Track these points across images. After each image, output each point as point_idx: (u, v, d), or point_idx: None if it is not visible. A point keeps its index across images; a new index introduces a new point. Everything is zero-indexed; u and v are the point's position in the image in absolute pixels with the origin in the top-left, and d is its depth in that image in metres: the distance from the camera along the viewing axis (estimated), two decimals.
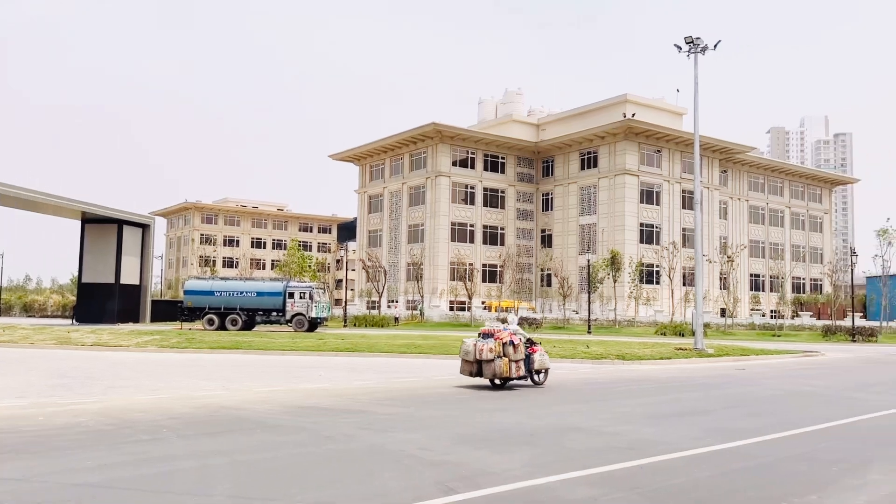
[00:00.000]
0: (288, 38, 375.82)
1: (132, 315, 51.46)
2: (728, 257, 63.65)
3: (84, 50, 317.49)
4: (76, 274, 56.82)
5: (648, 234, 69.39)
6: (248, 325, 42.61)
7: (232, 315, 42.20)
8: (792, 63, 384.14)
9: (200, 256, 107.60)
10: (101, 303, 49.47)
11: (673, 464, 8.01)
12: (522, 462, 7.92)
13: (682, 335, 44.10)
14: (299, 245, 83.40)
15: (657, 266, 65.73)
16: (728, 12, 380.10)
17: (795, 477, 7.49)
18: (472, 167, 73.36)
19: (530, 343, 15.39)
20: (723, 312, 63.92)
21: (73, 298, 70.12)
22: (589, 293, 53.75)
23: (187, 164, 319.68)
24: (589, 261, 54.94)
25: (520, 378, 14.89)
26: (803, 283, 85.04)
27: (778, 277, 74.59)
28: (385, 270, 68.54)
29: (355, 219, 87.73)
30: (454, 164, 72.02)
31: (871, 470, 7.82)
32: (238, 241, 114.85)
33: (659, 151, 70.37)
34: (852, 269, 58.27)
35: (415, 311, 65.00)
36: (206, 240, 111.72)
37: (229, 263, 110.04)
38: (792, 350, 31.81)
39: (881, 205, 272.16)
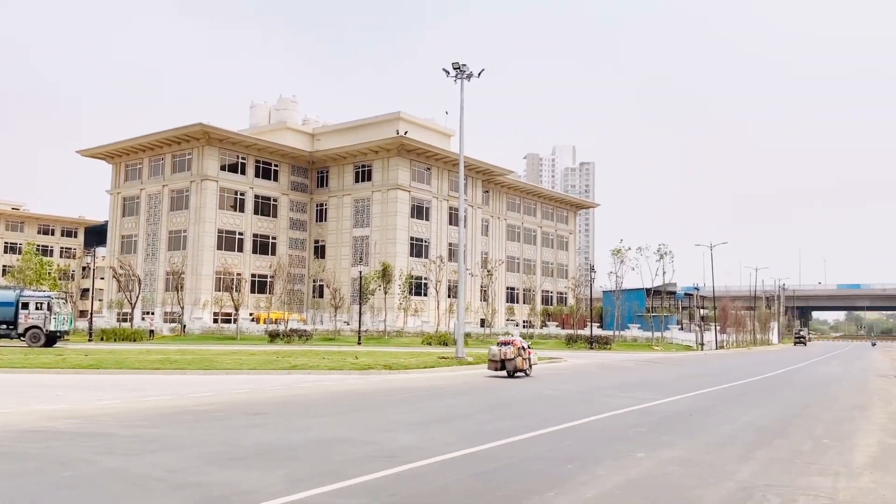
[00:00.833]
0: (42, 18, 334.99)
1: None
2: (488, 271, 67.94)
3: None
4: None
5: (418, 248, 71.80)
6: None
7: None
8: (547, 95, 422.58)
9: None
10: None
11: (428, 469, 8.27)
12: (280, 478, 7.69)
13: (446, 344, 46.14)
14: (37, 249, 74.23)
15: (425, 278, 68.20)
16: (494, 43, 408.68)
17: (536, 475, 8.10)
18: (243, 173, 70.69)
19: (528, 347, 23.65)
20: (483, 322, 67.98)
21: None
22: (360, 304, 54.23)
23: None
24: (361, 272, 55.50)
25: (525, 371, 22.90)
26: (551, 296, 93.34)
27: (530, 290, 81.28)
28: (140, 279, 63.31)
29: (106, 222, 79.92)
30: (223, 168, 68.83)
31: (600, 466, 8.69)
32: None
33: (429, 169, 73.27)
34: (591, 284, 65.12)
35: (175, 325, 60.82)
36: None
37: None
38: (542, 357, 34.69)
39: (617, 227, 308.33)
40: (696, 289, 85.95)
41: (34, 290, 43.07)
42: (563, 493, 7.27)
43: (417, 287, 69.54)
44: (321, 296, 72.24)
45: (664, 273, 69.70)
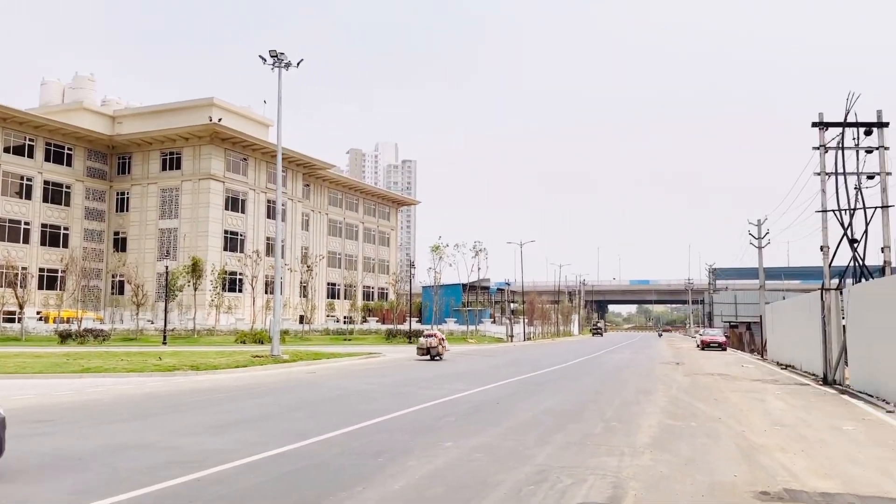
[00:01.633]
0: None
1: None
2: (308, 267, 66.76)
3: None
4: None
5: (233, 242, 68.89)
6: None
7: None
8: (370, 92, 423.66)
9: None
10: None
11: (233, 472, 7.94)
12: (65, 491, 7.02)
13: (262, 342, 44.71)
14: None
15: (240, 274, 65.61)
16: (318, 37, 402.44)
17: (346, 471, 8.06)
18: (31, 156, 63.73)
19: (444, 338, 33.05)
20: (302, 319, 66.75)
21: None
22: (166, 302, 51.00)
23: None
24: (168, 267, 52.19)
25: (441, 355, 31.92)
26: (372, 292, 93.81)
27: (351, 286, 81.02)
28: None
29: None
30: (6, 150, 61.63)
31: (410, 457, 8.82)
32: None
33: (245, 159, 70.54)
34: (411, 280, 66.32)
35: None
36: None
37: None
38: (359, 352, 34.70)
39: (436, 224, 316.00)
40: (508, 284, 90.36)
41: None
42: (372, 486, 7.29)
43: (232, 283, 66.76)
44: (122, 293, 67.13)
45: (479, 269, 72.57)
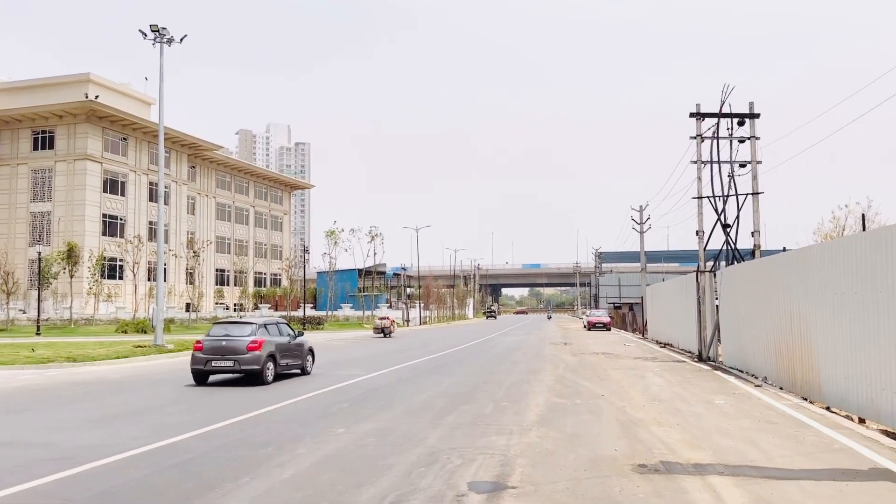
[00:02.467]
0: None
1: None
2: (195, 252, 64.25)
3: None
4: None
5: (112, 227, 65.26)
6: None
7: None
8: (262, 69, 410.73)
9: None
10: None
11: (111, 467, 7.57)
12: None
13: (145, 332, 42.72)
14: None
15: (121, 260, 62.34)
16: (208, 13, 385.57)
17: (233, 462, 7.84)
18: None
19: (394, 321, 43.65)
20: (188, 307, 64.27)
21: None
22: (39, 290, 47.70)
23: None
24: (41, 253, 48.79)
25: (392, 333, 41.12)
26: (265, 278, 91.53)
27: (242, 272, 78.72)
28: None
29: None
30: None
31: (300, 445, 8.70)
32: None
33: (125, 139, 66.85)
34: (305, 265, 65.20)
35: None
36: None
37: None
38: None
39: (332, 209, 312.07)
40: (404, 269, 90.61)
41: None
42: (259, 476, 7.14)
43: (112, 270, 63.35)
44: None
45: (375, 254, 72.36)
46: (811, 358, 12.35)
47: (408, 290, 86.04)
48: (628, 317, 55.18)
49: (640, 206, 49.91)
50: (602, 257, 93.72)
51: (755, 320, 16.18)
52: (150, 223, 68.14)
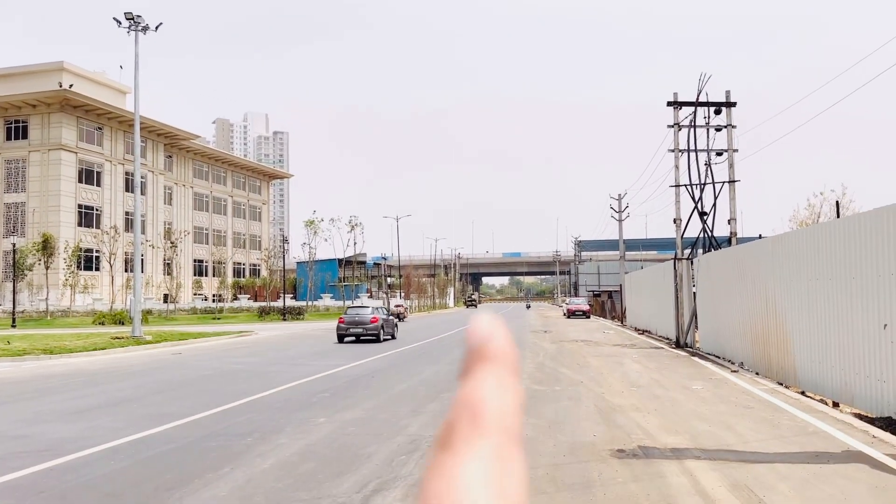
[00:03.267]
0: None
1: None
2: (172, 243, 63.65)
3: None
4: None
5: (88, 217, 64.39)
6: None
7: None
8: (238, 57, 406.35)
9: None
10: None
11: (90, 459, 7.51)
12: None
13: (123, 323, 42.33)
14: None
15: (97, 251, 61.56)
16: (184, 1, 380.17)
17: (214, 452, 7.82)
18: None
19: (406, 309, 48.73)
20: (166, 298, 63.73)
21: None
22: (14, 282, 47.00)
23: None
24: (14, 245, 48.06)
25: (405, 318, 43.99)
26: (244, 268, 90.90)
27: (220, 263, 78.13)
28: None
29: None
30: None
31: (281, 435, 8.69)
32: None
33: (101, 129, 65.86)
34: (284, 256, 64.85)
35: None
36: None
37: None
38: (229, 331, 33.64)
39: (311, 198, 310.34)
40: (385, 258, 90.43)
41: None
42: (240, 466, 7.13)
43: (88, 261, 62.56)
44: None
45: (355, 244, 72.05)
46: (786, 343, 12.54)
47: (388, 279, 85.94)
48: (607, 304, 55.60)
49: (619, 195, 50.22)
50: (581, 246, 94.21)
51: (731, 307, 16.39)
52: (127, 213, 67.33)
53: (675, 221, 23.82)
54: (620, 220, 49.89)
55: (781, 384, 12.58)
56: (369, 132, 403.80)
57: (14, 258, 47.06)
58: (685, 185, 23.21)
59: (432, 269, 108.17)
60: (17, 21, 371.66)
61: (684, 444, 7.86)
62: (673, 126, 23.55)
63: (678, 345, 22.05)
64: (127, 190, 68.16)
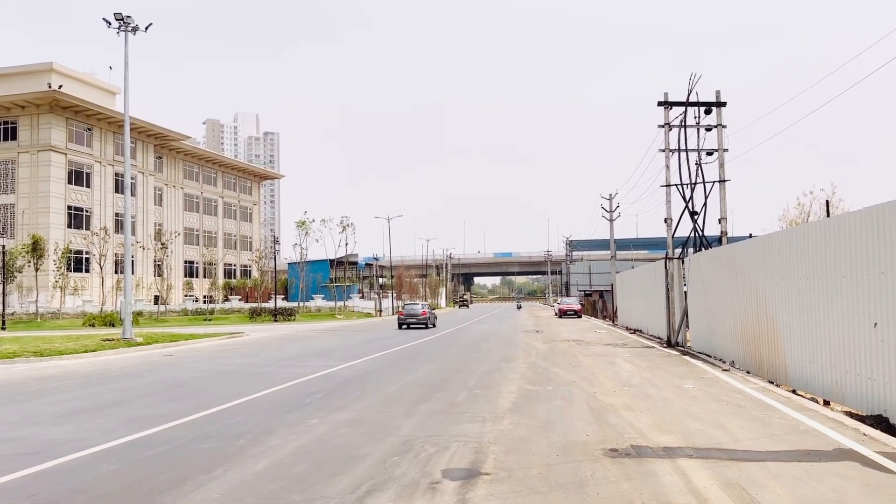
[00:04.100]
0: None
1: None
2: (162, 244, 63.39)
3: None
4: None
5: (78, 219, 64.06)
6: None
7: None
8: (228, 58, 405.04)
9: None
10: None
11: (81, 462, 7.47)
12: None
13: (113, 325, 42.15)
14: None
15: (87, 253, 61.24)
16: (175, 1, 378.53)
17: (206, 454, 7.79)
18: None
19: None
20: (157, 299, 63.45)
21: None
22: (4, 284, 46.72)
23: None
24: (4, 247, 47.76)
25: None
26: (234, 269, 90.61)
27: (211, 264, 77.82)
28: None
29: None
30: None
31: (274, 437, 8.67)
32: None
33: (90, 130, 65.51)
34: (275, 256, 64.66)
35: None
36: None
37: None
38: (220, 333, 33.53)
39: (302, 199, 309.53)
40: (376, 259, 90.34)
41: None
42: (233, 468, 7.11)
43: (78, 262, 62.25)
44: None
45: (347, 244, 71.95)
46: (777, 342, 12.61)
47: (380, 280, 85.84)
48: (599, 304, 55.71)
49: (610, 195, 50.34)
50: (572, 245, 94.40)
51: (722, 306, 16.46)
52: (117, 215, 66.99)
53: (665, 221, 23.89)
54: (611, 220, 50.01)
55: (772, 383, 12.65)
56: (361, 133, 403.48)
57: (3, 260, 46.75)
58: (676, 185, 23.29)
59: (424, 270, 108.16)
60: (6, 21, 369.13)
61: (676, 443, 7.88)
62: (664, 126, 23.62)
63: (669, 344, 22.13)
64: (117, 191, 67.82)
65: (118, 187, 67.84)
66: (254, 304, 62.91)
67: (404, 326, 38.13)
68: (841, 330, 10.03)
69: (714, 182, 22.79)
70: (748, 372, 14.23)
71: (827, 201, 22.59)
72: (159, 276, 66.26)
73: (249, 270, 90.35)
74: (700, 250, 21.57)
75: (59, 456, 7.69)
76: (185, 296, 76.53)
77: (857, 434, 8.13)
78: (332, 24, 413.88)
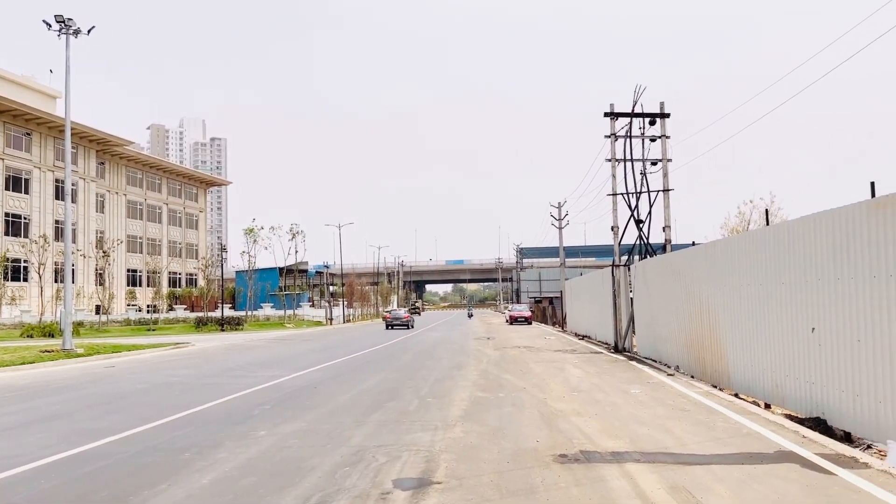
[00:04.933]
0: None
1: None
2: (105, 252, 61.64)
3: None
4: None
5: (15, 226, 61.77)
6: None
7: None
8: (174, 62, 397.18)
9: None
10: None
11: (19, 478, 7.19)
12: None
13: (53, 336, 40.75)
14: None
15: (25, 261, 59.12)
16: (111, 3, 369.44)
17: (150, 468, 7.59)
18: None
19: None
20: (98, 309, 61.59)
21: None
22: None
23: None
24: None
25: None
26: (179, 278, 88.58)
27: (155, 272, 75.89)
28: None
29: None
30: None
31: (221, 449, 8.49)
32: None
33: (29, 134, 63.34)
34: (222, 264, 63.53)
35: None
36: None
37: None
38: (165, 343, 32.72)
39: (252, 206, 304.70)
40: (327, 266, 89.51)
41: None
42: (177, 482, 6.93)
43: (15, 271, 60.00)
44: None
45: (297, 252, 71.21)
46: (720, 347, 12.95)
47: (331, 287, 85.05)
48: (549, 310, 56.28)
49: (559, 203, 51.02)
50: (523, 253, 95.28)
51: (667, 312, 16.82)
52: (57, 222, 64.86)
53: (612, 229, 24.33)
54: (560, 228, 50.67)
55: (716, 387, 12.97)
56: (314, 139, 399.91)
57: None
58: (622, 194, 23.75)
59: (375, 277, 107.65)
60: None
61: (624, 448, 8.01)
62: (610, 136, 24.07)
63: (617, 349, 22.50)
64: (57, 198, 65.71)
65: (58, 194, 65.72)
66: (200, 314, 61.57)
67: (390, 327, 49.41)
68: (780, 335, 10.35)
69: (658, 191, 23.32)
70: (692, 376, 14.57)
71: (766, 210, 23.34)
72: (101, 285, 64.33)
73: (195, 279, 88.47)
74: (645, 258, 22.02)
75: None
76: (128, 305, 74.51)
77: (797, 436, 8.39)
78: (285, 31, 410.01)
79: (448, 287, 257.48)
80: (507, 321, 56.44)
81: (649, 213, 23.14)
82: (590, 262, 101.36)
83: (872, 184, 8.93)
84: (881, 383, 7.84)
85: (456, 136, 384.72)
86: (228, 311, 63.61)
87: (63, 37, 26.87)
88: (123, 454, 8.35)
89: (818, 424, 9.03)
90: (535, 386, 14.04)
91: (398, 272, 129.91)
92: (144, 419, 10.83)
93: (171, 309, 73.03)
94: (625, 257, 24.18)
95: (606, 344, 24.91)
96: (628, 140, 23.65)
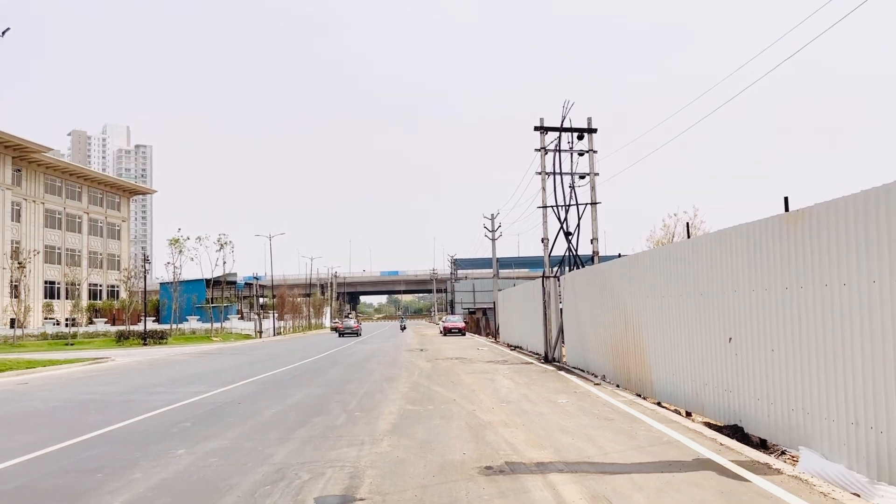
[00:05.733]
0: None
1: None
2: (20, 263, 58.75)
3: None
4: None
5: None
6: None
7: None
8: (97, 66, 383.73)
9: None
10: None
11: None
12: None
13: None
14: None
15: None
16: (37, 9, 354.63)
17: (60, 490, 7.21)
18: None
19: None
20: (13, 323, 58.58)
21: None
22: None
23: None
24: None
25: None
26: (100, 290, 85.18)
27: (74, 284, 72.75)
28: None
29: None
30: None
31: (135, 469, 8.13)
32: None
33: None
34: (146, 276, 61.46)
35: None
36: None
37: None
38: (83, 358, 31.36)
39: (179, 215, 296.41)
40: (257, 278, 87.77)
41: None
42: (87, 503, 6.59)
43: None
44: None
45: (225, 263, 69.47)
46: (643, 356, 13.25)
47: (261, 299, 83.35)
48: (482, 321, 56.65)
49: (492, 215, 51.52)
50: (457, 264, 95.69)
51: (594, 322, 17.14)
52: None
53: (543, 241, 24.68)
54: (493, 239, 51.14)
55: (640, 396, 13.26)
56: (243, 148, 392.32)
57: None
58: (552, 207, 24.14)
59: (308, 289, 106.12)
60: None
61: (549, 458, 8.07)
62: (540, 150, 24.46)
63: (547, 360, 22.78)
64: None
65: None
66: (122, 327, 59.30)
67: (342, 336, 57.53)
68: (700, 344, 10.66)
69: (587, 204, 23.81)
70: (618, 385, 14.86)
71: (687, 223, 24.10)
72: (16, 297, 61.17)
73: (117, 291, 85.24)
74: (575, 269, 22.41)
75: None
76: (46, 318, 71.17)
77: (715, 444, 8.63)
78: (216, 35, 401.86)
79: (383, 298, 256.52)
80: (441, 332, 56.49)
81: (578, 225, 23.59)
82: (523, 273, 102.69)
83: (786, 198, 9.32)
84: (793, 391, 8.15)
85: (390, 146, 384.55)
86: (152, 325, 61.52)
87: None
88: (31, 476, 7.90)
89: (736, 432, 9.32)
90: (465, 398, 14.05)
91: (331, 283, 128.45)
92: (56, 439, 10.31)
93: (91, 322, 70.14)
94: (555, 269, 24.55)
95: (537, 354, 25.19)
96: (557, 154, 24.09)
